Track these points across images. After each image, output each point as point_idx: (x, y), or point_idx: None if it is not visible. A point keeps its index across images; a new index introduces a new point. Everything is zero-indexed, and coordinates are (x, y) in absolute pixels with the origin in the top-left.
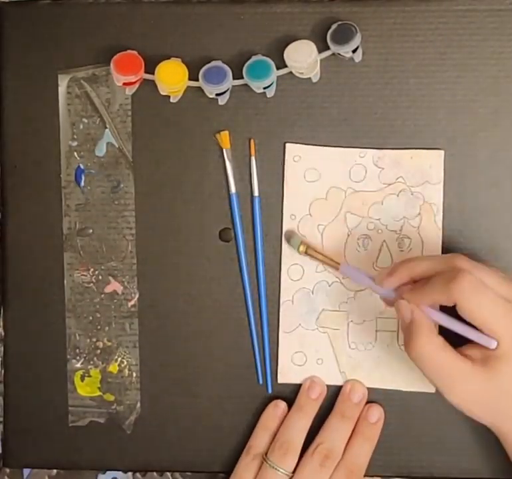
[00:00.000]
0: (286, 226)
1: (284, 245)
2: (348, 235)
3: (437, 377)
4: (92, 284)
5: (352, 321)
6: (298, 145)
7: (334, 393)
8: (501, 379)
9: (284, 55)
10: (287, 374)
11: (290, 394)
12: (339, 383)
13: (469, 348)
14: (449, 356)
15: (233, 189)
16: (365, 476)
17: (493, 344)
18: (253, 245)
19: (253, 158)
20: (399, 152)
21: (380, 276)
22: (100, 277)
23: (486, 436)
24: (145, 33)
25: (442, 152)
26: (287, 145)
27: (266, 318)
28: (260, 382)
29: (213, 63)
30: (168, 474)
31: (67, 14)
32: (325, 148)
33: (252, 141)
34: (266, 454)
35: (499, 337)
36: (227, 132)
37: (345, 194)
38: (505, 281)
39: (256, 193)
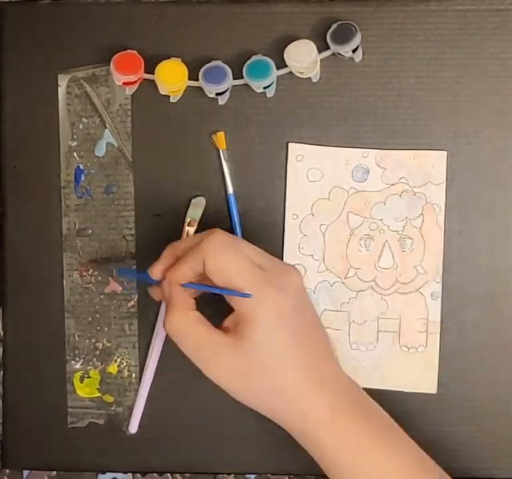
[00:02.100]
0: (288, 226)
1: (286, 245)
2: (350, 235)
3: (192, 351)
4: (91, 284)
5: (353, 322)
6: (301, 144)
7: None
8: (250, 348)
9: (284, 55)
10: None
11: None
12: None
13: (226, 320)
14: (203, 330)
15: (230, 189)
16: None
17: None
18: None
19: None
20: (402, 152)
21: (152, 267)
22: (100, 278)
23: (486, 436)
24: (145, 33)
25: (445, 152)
26: (290, 144)
27: None
28: None
29: (213, 63)
30: (168, 474)
31: (67, 14)
32: (328, 147)
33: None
34: None
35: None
36: (222, 133)
37: (347, 194)
38: (260, 253)
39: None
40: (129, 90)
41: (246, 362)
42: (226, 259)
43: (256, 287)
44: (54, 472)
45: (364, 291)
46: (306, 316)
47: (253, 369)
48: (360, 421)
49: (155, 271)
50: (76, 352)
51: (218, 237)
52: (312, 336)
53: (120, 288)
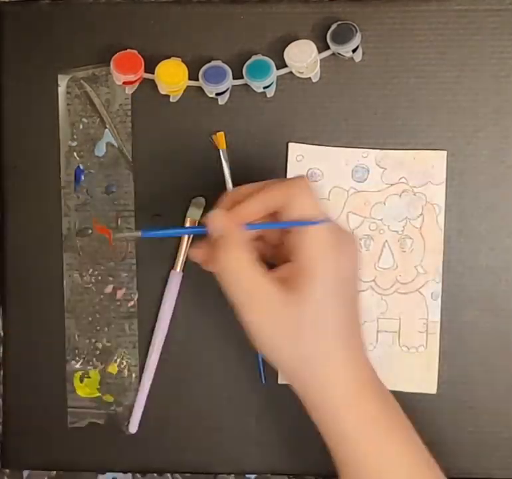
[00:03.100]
0: None
1: None
2: None
3: (238, 292)
4: (91, 284)
5: None
6: (301, 144)
7: None
8: (303, 302)
9: (284, 55)
10: None
11: (291, 395)
12: None
13: (280, 269)
14: (256, 273)
15: (230, 189)
16: None
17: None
18: None
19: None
20: (402, 152)
21: (211, 214)
22: (100, 278)
23: (486, 436)
24: (145, 33)
25: (445, 152)
26: (290, 144)
27: None
28: (264, 382)
29: (213, 63)
30: (168, 474)
31: (67, 14)
32: (328, 147)
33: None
34: None
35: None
36: (222, 133)
37: (347, 194)
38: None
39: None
40: (129, 89)
41: (296, 318)
42: (312, 200)
43: (328, 239)
44: (54, 472)
45: (363, 291)
46: (356, 285)
47: (305, 329)
48: (380, 402)
49: (218, 216)
50: (76, 352)
51: (304, 179)
52: (357, 309)
53: (120, 288)
